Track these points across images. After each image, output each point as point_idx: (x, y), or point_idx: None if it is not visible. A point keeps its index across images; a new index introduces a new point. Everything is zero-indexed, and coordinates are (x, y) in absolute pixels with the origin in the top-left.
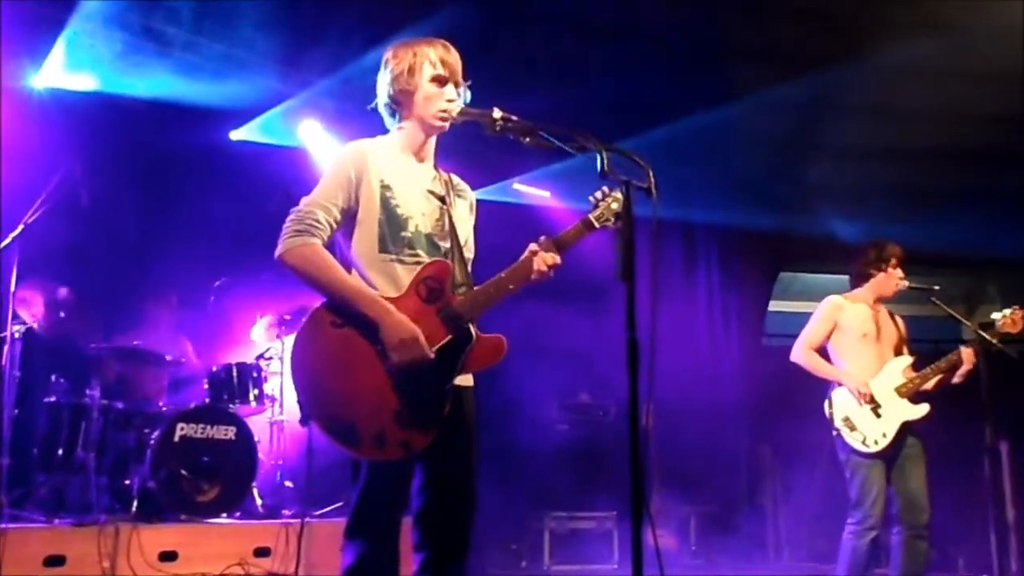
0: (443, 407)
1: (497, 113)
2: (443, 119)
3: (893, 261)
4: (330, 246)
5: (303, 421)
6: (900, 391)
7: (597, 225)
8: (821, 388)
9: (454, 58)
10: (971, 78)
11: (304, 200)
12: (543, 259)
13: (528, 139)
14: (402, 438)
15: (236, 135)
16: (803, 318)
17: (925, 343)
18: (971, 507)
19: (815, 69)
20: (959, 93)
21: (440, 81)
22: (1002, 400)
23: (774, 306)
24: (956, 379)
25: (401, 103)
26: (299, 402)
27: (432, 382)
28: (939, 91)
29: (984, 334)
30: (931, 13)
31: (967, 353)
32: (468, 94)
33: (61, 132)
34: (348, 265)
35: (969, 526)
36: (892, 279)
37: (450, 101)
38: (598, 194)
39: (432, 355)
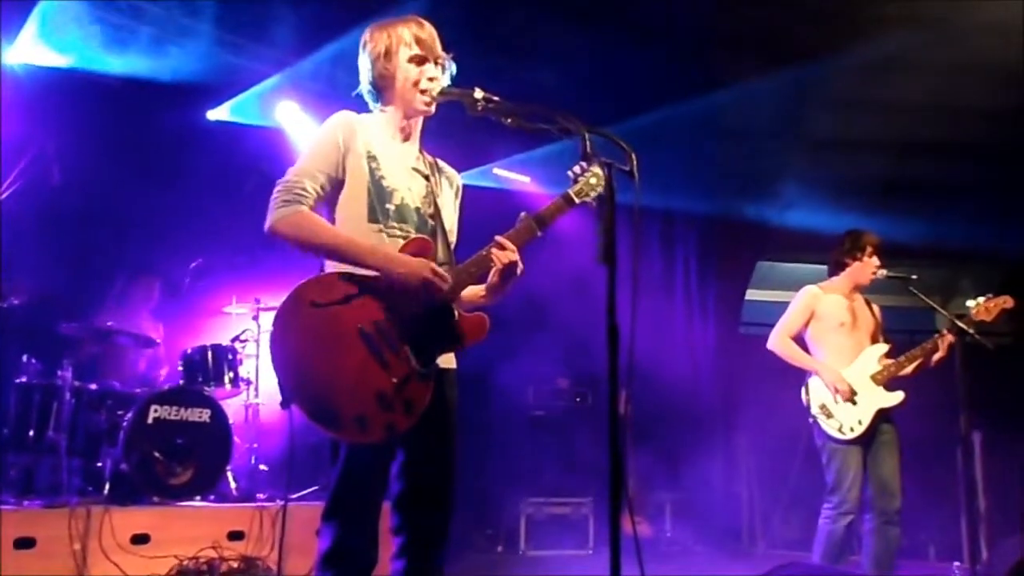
0: (427, 388)
1: (479, 93)
2: (427, 102)
3: (869, 250)
4: (314, 211)
5: (284, 404)
6: (876, 378)
7: (577, 200)
8: (796, 377)
9: (428, 33)
10: (951, 72)
11: (291, 170)
12: (499, 256)
13: (510, 120)
14: (385, 420)
15: (213, 115)
16: (780, 307)
17: (900, 333)
18: (943, 495)
19: (797, 60)
20: (938, 87)
21: (418, 60)
22: (977, 391)
23: (751, 295)
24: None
25: (383, 87)
26: (279, 384)
27: (416, 361)
28: (918, 85)
29: (961, 324)
30: (914, 7)
31: (945, 340)
32: (453, 66)
33: (34, 109)
34: None
35: (940, 514)
36: (868, 268)
37: (431, 80)
38: (577, 168)
39: (450, 281)
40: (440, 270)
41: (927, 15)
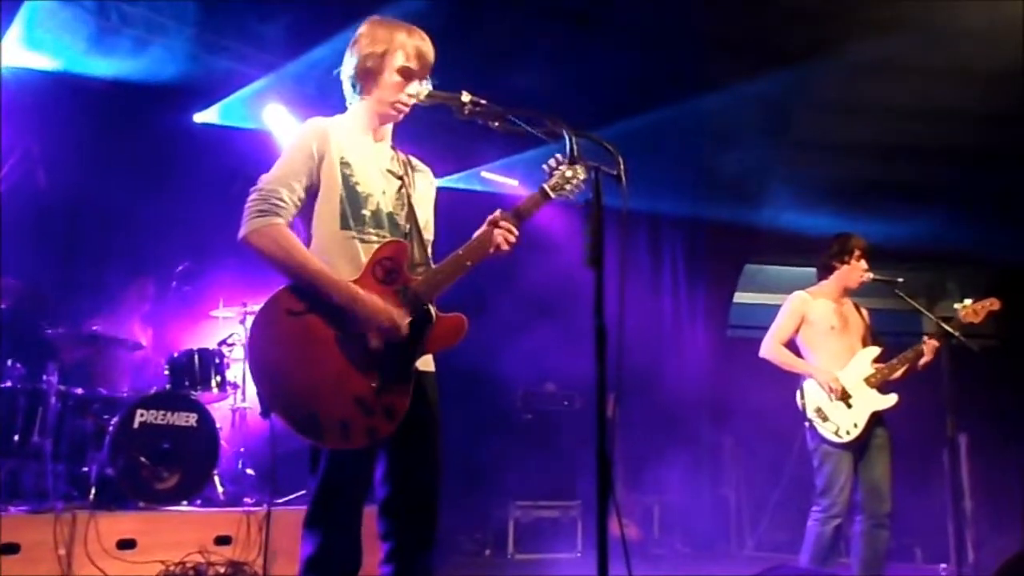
0: (407, 392)
1: (466, 96)
2: (398, 111)
3: (857, 253)
4: (289, 224)
5: (264, 413)
6: (869, 381)
7: (553, 195)
8: (783, 380)
9: (429, 52)
10: (938, 76)
11: (265, 178)
12: (503, 232)
13: (497, 124)
14: (367, 425)
15: (200, 117)
16: (768, 310)
17: (887, 336)
18: (929, 498)
19: (784, 62)
20: (925, 90)
21: (407, 74)
22: (962, 393)
23: (739, 298)
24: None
25: (365, 81)
26: (259, 394)
27: (395, 366)
28: (905, 88)
29: (947, 327)
30: (902, 11)
31: (930, 344)
32: (428, 86)
33: (20, 112)
34: (307, 243)
35: (927, 517)
36: (856, 271)
37: (410, 96)
38: (551, 162)
39: (405, 321)
40: (398, 321)
41: (915, 18)
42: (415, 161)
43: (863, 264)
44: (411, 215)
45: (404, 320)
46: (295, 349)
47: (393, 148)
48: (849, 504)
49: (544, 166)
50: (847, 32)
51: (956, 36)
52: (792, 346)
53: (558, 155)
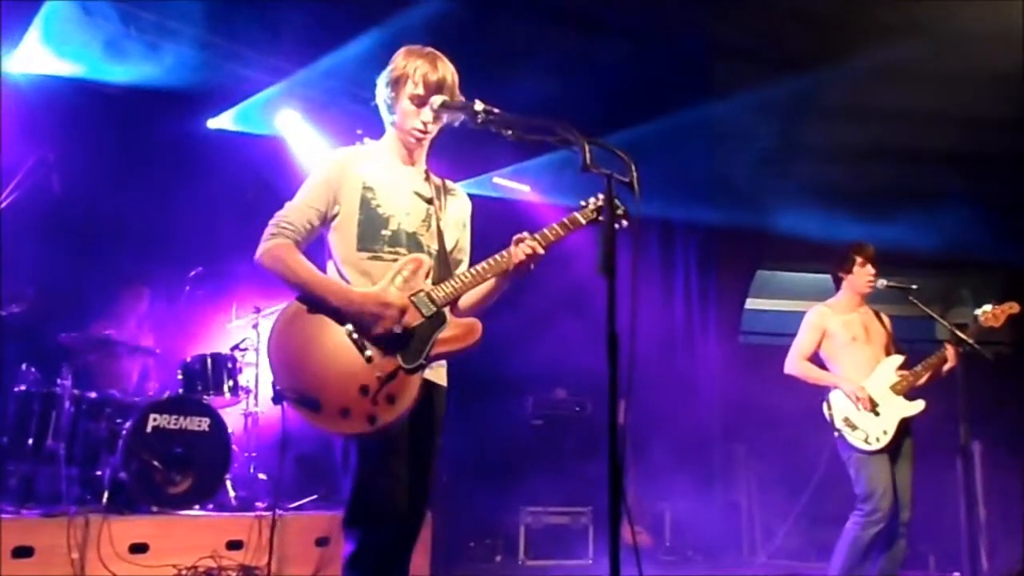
0: (413, 383)
1: (479, 105)
2: (418, 138)
3: (860, 260)
4: (319, 243)
5: (275, 399)
6: (895, 389)
7: (584, 221)
8: (796, 386)
9: (439, 76)
10: (948, 81)
11: (287, 204)
12: (522, 248)
13: (510, 132)
14: (368, 412)
15: (214, 123)
16: (780, 316)
17: (902, 343)
18: (943, 506)
19: (795, 69)
20: (936, 96)
21: (418, 101)
22: (976, 400)
23: (751, 304)
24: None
25: (389, 110)
26: (273, 383)
27: (402, 358)
28: (917, 93)
29: (960, 334)
30: (912, 16)
31: (953, 349)
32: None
33: (35, 118)
34: (330, 261)
35: (940, 524)
36: (862, 277)
37: (424, 123)
38: (591, 199)
39: (406, 300)
40: (389, 299)
41: (925, 24)
42: (450, 185)
43: (869, 269)
44: (438, 236)
45: (411, 316)
46: (311, 340)
47: (427, 172)
48: (891, 510)
49: (582, 202)
50: (859, 37)
51: (968, 41)
52: (817, 360)
53: (599, 194)
